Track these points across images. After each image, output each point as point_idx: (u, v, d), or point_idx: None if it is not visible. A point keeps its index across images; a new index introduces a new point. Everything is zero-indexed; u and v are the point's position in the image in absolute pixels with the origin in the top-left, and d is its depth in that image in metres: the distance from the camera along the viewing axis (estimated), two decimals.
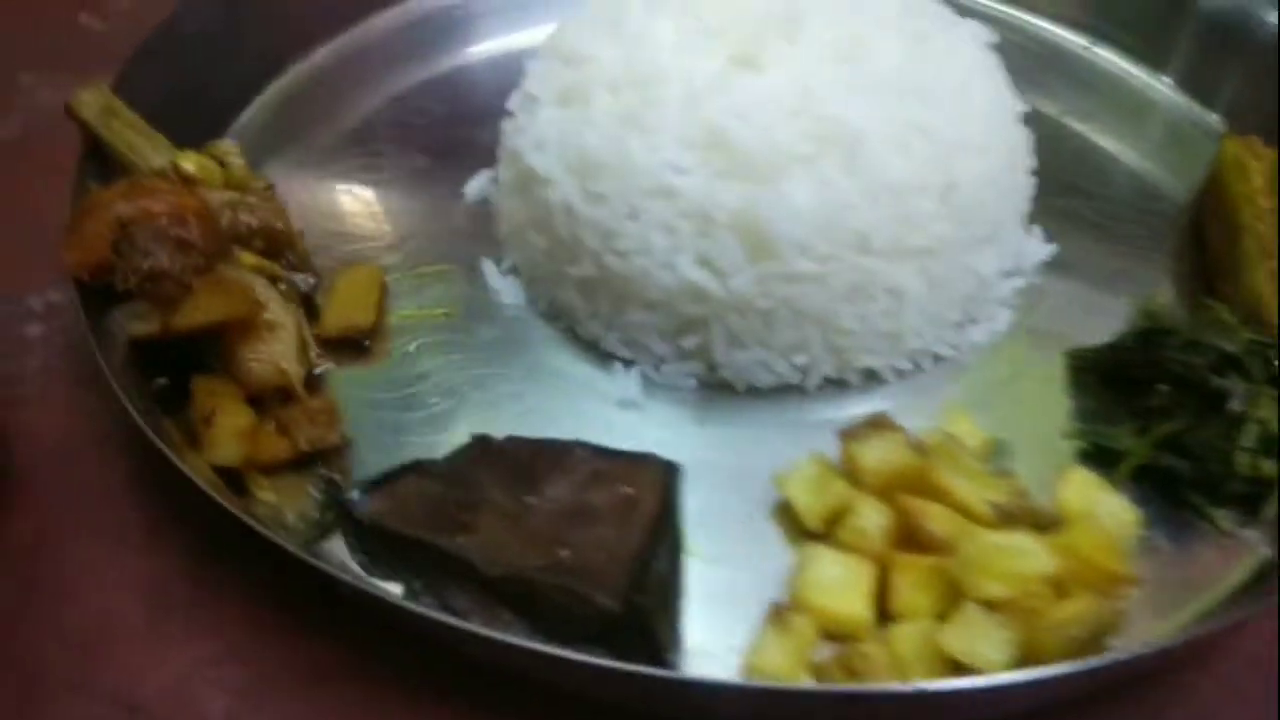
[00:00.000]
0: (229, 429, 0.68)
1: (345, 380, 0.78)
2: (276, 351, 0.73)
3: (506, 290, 0.85)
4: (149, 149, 0.79)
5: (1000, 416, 0.75)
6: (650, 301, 0.76)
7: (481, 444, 0.69)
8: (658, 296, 0.76)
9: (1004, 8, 1.07)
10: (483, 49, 1.07)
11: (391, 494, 0.64)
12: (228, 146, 0.82)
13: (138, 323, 0.70)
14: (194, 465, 0.66)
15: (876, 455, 0.68)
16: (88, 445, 0.73)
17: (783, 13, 0.78)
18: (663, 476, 0.65)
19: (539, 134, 0.80)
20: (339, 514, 0.65)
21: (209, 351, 0.74)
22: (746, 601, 0.66)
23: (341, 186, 0.93)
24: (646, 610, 0.58)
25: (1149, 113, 1.00)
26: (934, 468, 0.66)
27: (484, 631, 0.56)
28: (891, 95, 0.74)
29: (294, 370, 0.74)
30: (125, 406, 0.66)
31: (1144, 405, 0.75)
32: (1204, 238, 0.88)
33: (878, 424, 0.70)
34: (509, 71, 1.02)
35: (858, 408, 0.77)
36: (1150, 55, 1.02)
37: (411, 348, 0.82)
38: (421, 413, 0.77)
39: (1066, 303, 0.84)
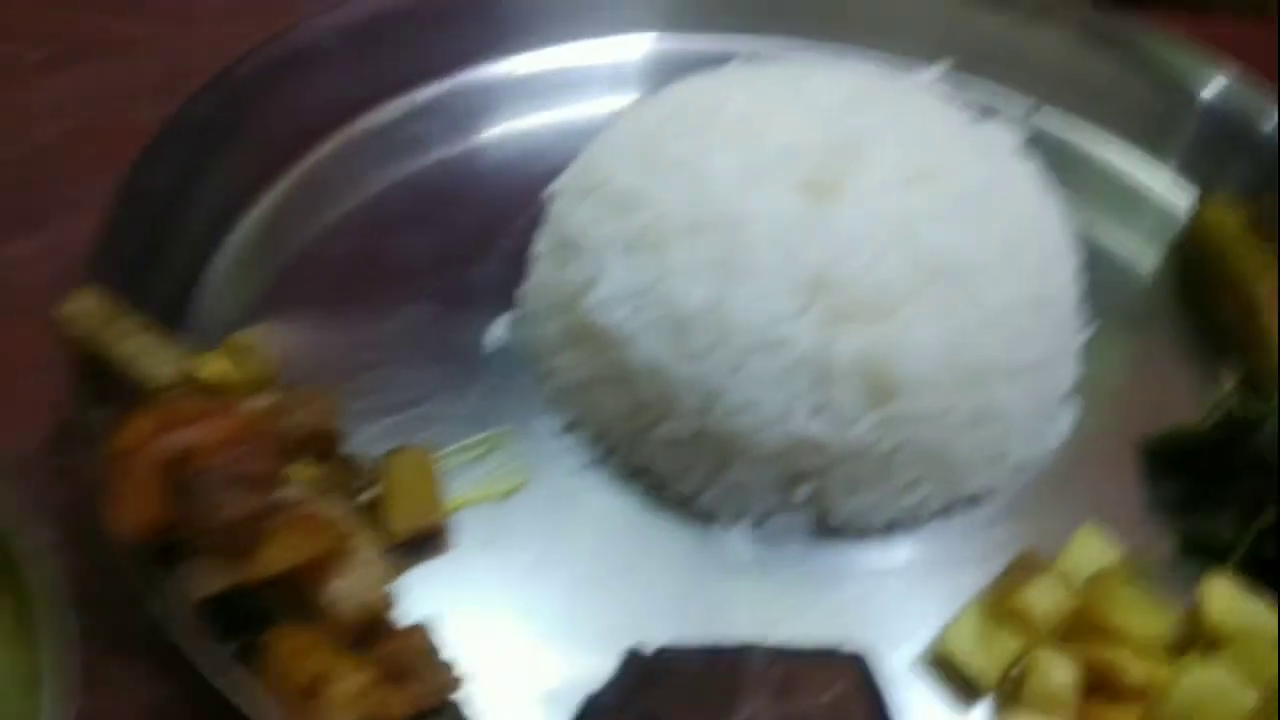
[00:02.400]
0: (343, 697, 0.57)
1: (416, 589, 0.68)
2: (361, 582, 0.63)
3: (572, 452, 0.77)
4: (159, 358, 0.66)
5: (1096, 515, 0.74)
6: (757, 457, 0.71)
7: (639, 664, 0.61)
8: (767, 452, 0.71)
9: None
10: (442, 175, 0.97)
11: None
12: (248, 338, 0.70)
13: (206, 580, 0.58)
14: None
15: (1044, 601, 0.65)
16: None
17: (839, 135, 0.75)
18: (858, 672, 0.60)
19: (609, 289, 0.73)
20: None
21: (273, 594, 0.62)
22: None
23: (340, 353, 0.81)
24: None
25: (1145, 203, 0.97)
26: (1107, 608, 0.65)
27: None
28: (979, 215, 0.73)
29: (383, 599, 0.64)
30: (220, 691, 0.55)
31: (1228, 492, 0.77)
32: (1208, 314, 0.89)
33: (1030, 564, 0.67)
34: (490, 203, 0.94)
35: (965, 534, 0.75)
36: (1151, 146, 0.98)
37: (479, 535, 0.72)
38: (519, 616, 0.69)
39: (1102, 386, 0.84)
